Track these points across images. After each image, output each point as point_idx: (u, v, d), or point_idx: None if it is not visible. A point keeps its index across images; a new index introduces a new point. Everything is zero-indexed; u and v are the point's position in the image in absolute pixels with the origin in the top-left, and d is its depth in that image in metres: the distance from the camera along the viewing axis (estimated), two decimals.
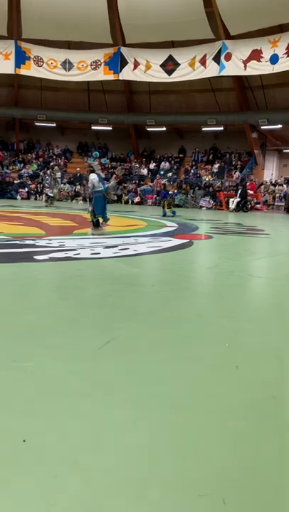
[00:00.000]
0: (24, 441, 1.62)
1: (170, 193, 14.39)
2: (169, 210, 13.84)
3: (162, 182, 14.91)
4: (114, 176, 9.24)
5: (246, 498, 1.41)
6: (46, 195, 16.96)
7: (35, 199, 21.42)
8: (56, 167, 19.54)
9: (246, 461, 1.59)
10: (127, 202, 21.92)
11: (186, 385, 2.15)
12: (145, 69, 21.75)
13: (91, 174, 8.08)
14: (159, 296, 3.93)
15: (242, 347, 2.73)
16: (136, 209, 17.67)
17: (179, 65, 21.16)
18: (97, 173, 8.12)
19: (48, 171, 17.75)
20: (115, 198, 19.73)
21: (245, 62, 19.61)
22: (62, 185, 22.66)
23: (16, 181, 22.42)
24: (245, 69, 19.77)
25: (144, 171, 24.37)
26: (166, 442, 1.68)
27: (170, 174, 13.99)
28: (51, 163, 22.24)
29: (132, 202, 21.96)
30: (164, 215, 13.58)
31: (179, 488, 1.43)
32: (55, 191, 17.31)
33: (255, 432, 1.77)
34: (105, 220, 8.16)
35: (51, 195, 16.74)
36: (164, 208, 13.99)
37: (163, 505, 1.36)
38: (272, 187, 21.99)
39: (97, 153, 9.74)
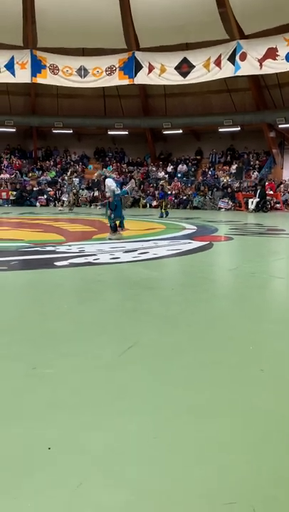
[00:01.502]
0: (49, 448, 1.61)
1: (168, 193, 14.64)
2: (164, 211, 14.04)
3: (160, 183, 15.11)
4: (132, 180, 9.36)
5: (275, 506, 1.36)
6: (62, 200, 17.22)
7: (54, 206, 21.63)
8: (69, 172, 19.82)
9: (273, 467, 1.54)
10: (145, 206, 21.92)
11: (209, 389, 2.11)
12: (160, 72, 21.76)
13: (106, 180, 8.13)
14: (180, 300, 3.90)
15: (266, 350, 2.68)
16: (154, 212, 17.66)
17: (193, 66, 21.11)
18: (112, 179, 8.19)
19: (66, 177, 18.01)
20: (129, 204, 19.76)
21: (260, 61, 19.42)
22: (80, 190, 22.83)
23: (34, 189, 22.68)
24: (260, 68, 19.58)
25: (162, 175, 24.34)
26: (191, 449, 1.65)
27: (162, 182, 14.40)
28: (70, 169, 22.47)
29: (150, 205, 21.95)
30: (162, 216, 13.77)
31: (205, 497, 1.39)
32: (70, 197, 17.56)
33: (282, 438, 1.73)
34: (122, 224, 8.18)
35: (64, 199, 17.00)
36: (162, 209, 14.15)
37: None
38: None
39: (110, 167, 9.92)
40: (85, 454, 1.60)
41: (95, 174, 9.64)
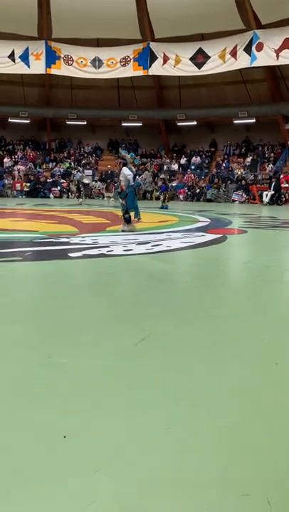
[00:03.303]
0: (65, 437, 1.63)
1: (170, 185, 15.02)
2: (164, 203, 14.22)
3: (161, 176, 15.28)
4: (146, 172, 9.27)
5: None
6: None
7: (68, 197, 21.68)
8: (79, 166, 20.17)
9: (287, 459, 1.54)
10: (158, 198, 21.85)
11: (224, 382, 2.11)
12: (175, 63, 21.56)
13: (124, 168, 8.01)
14: (194, 292, 3.89)
15: (281, 343, 2.66)
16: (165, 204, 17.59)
17: (209, 57, 20.87)
18: (128, 167, 8.09)
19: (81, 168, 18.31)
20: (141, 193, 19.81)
21: (277, 52, 19.12)
22: (93, 182, 22.85)
23: (48, 180, 22.75)
24: (277, 58, 19.28)
25: (175, 166, 24.22)
26: (207, 441, 1.65)
27: (163, 175, 14.78)
28: (83, 161, 22.52)
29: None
30: (163, 207, 13.80)
31: (219, 488, 1.40)
32: (73, 187, 17.88)
33: None
34: (136, 216, 8.14)
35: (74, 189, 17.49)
36: (163, 201, 14.20)
37: (206, 505, 1.34)
38: None
39: (133, 154, 9.72)
40: (101, 443, 1.61)
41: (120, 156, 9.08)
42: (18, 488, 1.38)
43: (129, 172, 7.95)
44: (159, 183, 17.54)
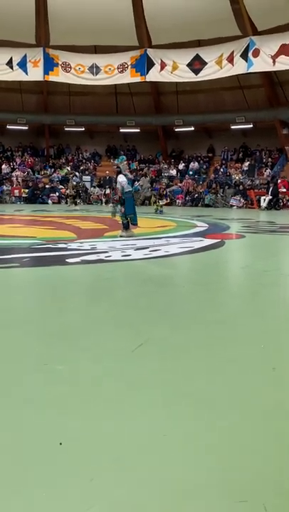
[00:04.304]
0: (61, 444, 1.62)
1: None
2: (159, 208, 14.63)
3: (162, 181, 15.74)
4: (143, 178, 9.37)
5: (286, 504, 1.36)
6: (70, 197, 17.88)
7: (66, 203, 21.72)
8: (72, 170, 20.35)
9: (286, 464, 1.54)
10: (155, 203, 21.88)
11: (222, 387, 2.11)
12: (172, 69, 21.67)
13: (119, 176, 8.12)
14: (192, 297, 3.89)
15: (278, 348, 2.66)
16: (165, 210, 17.63)
17: (206, 63, 20.98)
18: (124, 174, 8.15)
19: (78, 174, 18.43)
20: (141, 200, 19.86)
21: (273, 58, 19.24)
22: (92, 188, 22.90)
23: (47, 186, 22.79)
24: (274, 64, 19.39)
25: (173, 172, 24.29)
26: (203, 445, 1.65)
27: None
28: (81, 167, 22.60)
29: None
30: (157, 211, 14.29)
31: (217, 494, 1.39)
32: (69, 191, 18.02)
33: None
34: (134, 221, 8.17)
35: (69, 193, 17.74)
36: (157, 206, 14.66)
37: (202, 510, 1.33)
38: None
39: (124, 156, 9.77)
40: (97, 449, 1.60)
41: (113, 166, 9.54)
42: (13, 495, 1.37)
43: (124, 179, 8.04)
44: (156, 188, 17.80)
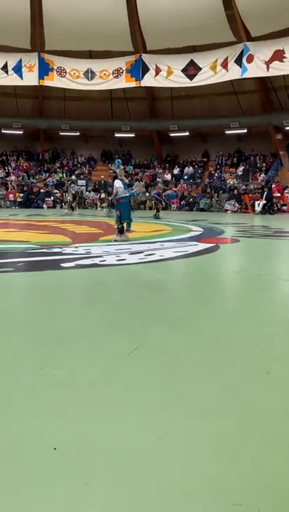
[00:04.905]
0: (55, 449, 1.62)
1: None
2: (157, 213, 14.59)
3: (158, 186, 15.70)
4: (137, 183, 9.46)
5: (282, 506, 1.36)
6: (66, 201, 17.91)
7: (61, 207, 21.72)
8: (73, 176, 20.33)
9: (279, 469, 1.54)
10: (151, 207, 21.93)
11: (217, 390, 2.11)
12: (167, 75, 21.79)
13: (115, 181, 8.16)
14: (187, 301, 3.90)
15: (272, 352, 2.67)
16: (160, 214, 17.65)
17: (200, 69, 21.12)
18: (120, 179, 8.19)
19: (73, 178, 18.48)
20: (137, 203, 19.96)
21: (267, 64, 19.40)
22: (87, 192, 22.91)
23: (42, 190, 22.77)
24: (267, 70, 19.55)
25: (168, 177, 24.36)
26: (198, 449, 1.65)
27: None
28: (76, 172, 22.61)
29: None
30: (156, 217, 14.23)
31: (211, 497, 1.40)
32: (69, 197, 18.00)
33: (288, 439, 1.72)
34: (129, 226, 8.20)
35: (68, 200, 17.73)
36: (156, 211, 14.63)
37: None
38: None
39: (120, 161, 9.82)
40: (92, 453, 1.60)
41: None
42: (7, 500, 1.37)
43: (120, 184, 8.10)
44: (153, 192, 17.79)
